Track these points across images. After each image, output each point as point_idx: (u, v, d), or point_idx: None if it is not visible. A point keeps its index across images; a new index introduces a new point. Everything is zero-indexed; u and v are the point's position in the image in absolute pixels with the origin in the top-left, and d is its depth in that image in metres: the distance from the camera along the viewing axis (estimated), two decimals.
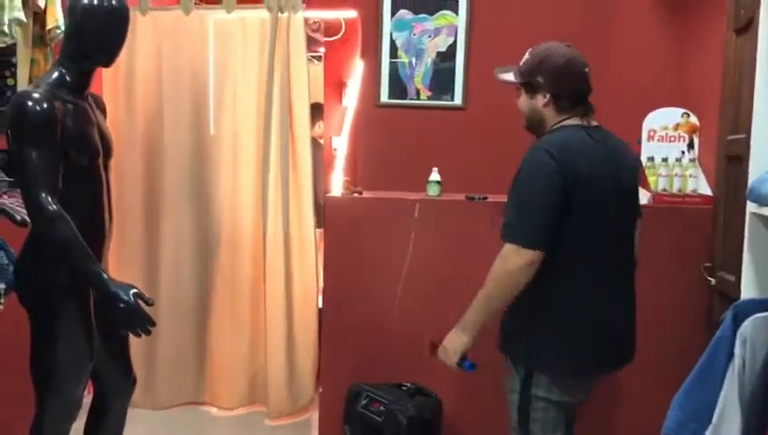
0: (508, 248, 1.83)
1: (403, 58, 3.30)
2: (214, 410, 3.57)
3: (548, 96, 1.97)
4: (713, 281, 2.36)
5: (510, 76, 2.05)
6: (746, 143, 1.99)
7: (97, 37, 2.13)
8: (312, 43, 4.60)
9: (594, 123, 1.98)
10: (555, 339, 1.91)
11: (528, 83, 2.00)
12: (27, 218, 2.22)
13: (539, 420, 1.94)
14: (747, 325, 1.49)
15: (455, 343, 1.96)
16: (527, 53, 2.03)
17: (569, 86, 1.97)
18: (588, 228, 1.87)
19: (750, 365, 1.45)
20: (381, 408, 2.50)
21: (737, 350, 1.47)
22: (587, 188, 1.85)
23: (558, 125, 1.97)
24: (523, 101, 2.03)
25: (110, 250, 2.38)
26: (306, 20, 3.64)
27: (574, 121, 1.96)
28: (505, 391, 2.03)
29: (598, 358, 1.95)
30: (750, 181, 1.90)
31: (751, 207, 1.89)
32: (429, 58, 3.29)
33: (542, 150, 1.87)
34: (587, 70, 1.98)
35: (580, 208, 1.85)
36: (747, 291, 1.86)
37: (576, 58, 1.98)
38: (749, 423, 1.40)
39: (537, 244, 1.81)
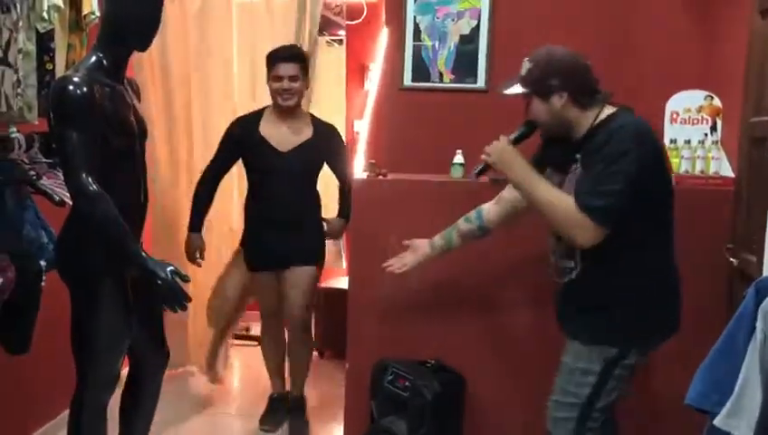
0: (588, 222, 1.85)
1: (426, 41, 3.32)
2: None
3: (565, 95, 1.97)
4: (735, 262, 2.40)
5: (517, 88, 2.04)
6: None
7: (132, 22, 2.19)
8: (333, 26, 4.64)
9: None
10: (655, 308, 2.00)
11: (539, 90, 1.99)
12: (66, 199, 2.31)
13: (613, 389, 2.00)
14: None
15: (504, 153, 2.02)
16: (527, 63, 2.03)
17: (584, 79, 2.00)
18: (666, 198, 2.00)
19: None
20: (407, 383, 2.57)
21: (759, 324, 1.52)
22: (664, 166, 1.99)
23: (602, 117, 1.97)
24: (539, 108, 2.01)
25: (146, 230, 2.46)
26: (328, 3, 3.70)
27: (614, 108, 1.99)
28: (566, 373, 2.05)
29: (677, 320, 2.07)
30: None
31: None
32: (452, 41, 3.31)
33: (640, 127, 1.92)
34: (589, 62, 2.03)
35: (664, 179, 1.98)
36: None
37: (576, 53, 2.02)
38: None
39: (610, 224, 1.86)
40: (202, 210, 3.24)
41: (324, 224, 3.27)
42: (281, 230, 3.10)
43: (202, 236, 3.23)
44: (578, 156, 2.00)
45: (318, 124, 3.19)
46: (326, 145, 3.18)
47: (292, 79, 3.04)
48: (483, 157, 2.09)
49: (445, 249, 2.40)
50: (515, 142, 2.06)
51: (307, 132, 3.14)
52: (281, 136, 3.10)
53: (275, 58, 3.06)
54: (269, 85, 3.07)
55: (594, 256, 1.96)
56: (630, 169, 1.84)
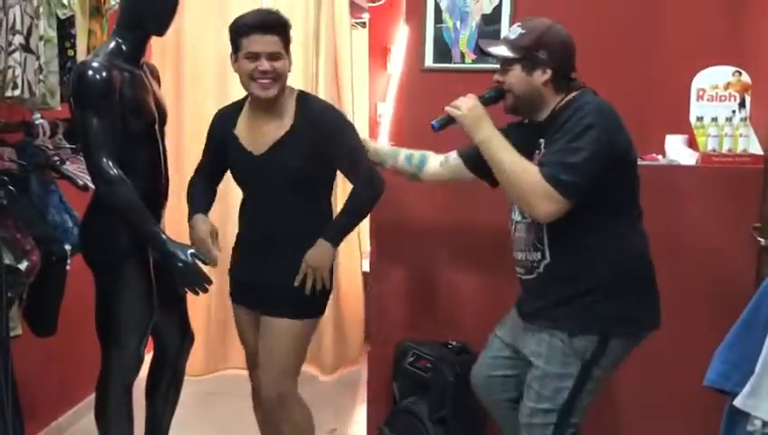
0: (554, 194, 1.78)
1: (447, 22, 3.28)
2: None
3: (549, 72, 1.91)
4: (762, 241, 2.34)
5: (503, 50, 1.95)
6: None
7: (150, 8, 2.21)
8: (355, 9, 4.62)
9: None
10: (631, 294, 1.92)
11: (527, 58, 1.91)
12: (89, 183, 2.34)
13: (584, 403, 1.93)
14: None
15: (475, 109, 1.94)
16: (520, 27, 1.96)
17: (570, 62, 1.95)
18: (635, 183, 1.94)
19: None
20: (428, 365, 2.57)
21: None
22: (631, 144, 1.91)
23: (567, 99, 1.93)
24: (519, 78, 1.93)
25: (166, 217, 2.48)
26: None
27: (581, 89, 1.95)
28: (538, 378, 1.95)
29: (656, 314, 1.99)
30: None
31: None
32: (474, 21, 3.27)
33: (602, 104, 1.87)
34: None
35: (633, 164, 1.91)
36: None
37: (569, 34, 1.97)
38: None
39: (575, 200, 1.80)
40: (199, 199, 2.37)
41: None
42: (255, 261, 2.28)
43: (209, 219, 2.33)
44: (541, 141, 1.95)
45: (303, 108, 2.23)
46: (314, 135, 2.18)
47: (273, 57, 2.13)
48: (447, 109, 1.99)
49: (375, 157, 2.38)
50: (483, 104, 1.98)
51: (287, 123, 2.21)
52: (254, 133, 2.25)
53: (244, 27, 2.13)
54: (238, 67, 2.17)
55: (561, 244, 1.91)
56: (594, 145, 1.78)
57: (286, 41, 2.18)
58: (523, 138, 1.99)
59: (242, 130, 2.27)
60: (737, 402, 1.53)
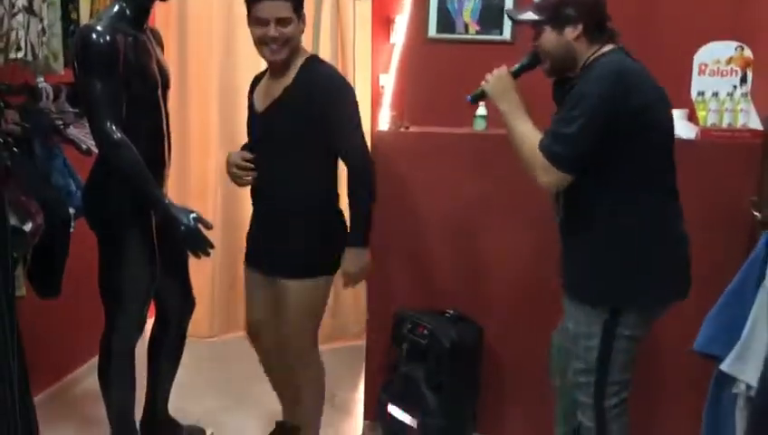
0: (548, 165, 1.80)
1: None
2: None
3: (580, 27, 1.90)
4: (758, 215, 2.36)
5: (530, 15, 1.95)
6: None
7: None
8: None
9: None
10: (650, 268, 1.89)
11: (555, 18, 1.91)
12: (93, 148, 2.36)
13: (619, 361, 1.94)
14: None
15: (500, 80, 1.98)
16: None
17: (600, 11, 1.93)
18: (662, 151, 1.90)
19: None
20: (425, 332, 2.61)
21: None
22: (660, 108, 1.87)
23: (596, 54, 1.91)
24: (550, 39, 1.93)
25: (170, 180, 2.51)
26: None
27: (611, 47, 1.92)
28: (571, 339, 2.00)
29: (685, 282, 1.96)
30: None
31: None
32: None
33: (614, 66, 1.82)
34: None
35: (656, 130, 1.86)
36: None
37: None
38: None
39: (572, 171, 1.81)
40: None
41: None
42: (265, 224, 2.34)
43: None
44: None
45: (305, 70, 2.22)
46: (310, 98, 2.17)
47: (282, 22, 2.13)
48: (482, 83, 2.04)
49: None
50: (516, 74, 2.01)
51: (286, 82, 2.22)
52: (263, 92, 2.30)
53: None
54: (251, 32, 2.19)
55: (571, 203, 1.92)
56: (588, 113, 1.77)
57: (297, 3, 2.17)
58: (561, 92, 2.00)
59: (257, 91, 2.34)
60: (724, 366, 1.57)
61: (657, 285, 1.93)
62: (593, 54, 1.92)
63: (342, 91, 2.24)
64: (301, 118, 2.18)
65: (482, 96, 2.07)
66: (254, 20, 2.16)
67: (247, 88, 2.44)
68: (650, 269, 1.91)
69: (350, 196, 2.24)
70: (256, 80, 2.41)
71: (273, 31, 2.13)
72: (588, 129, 1.77)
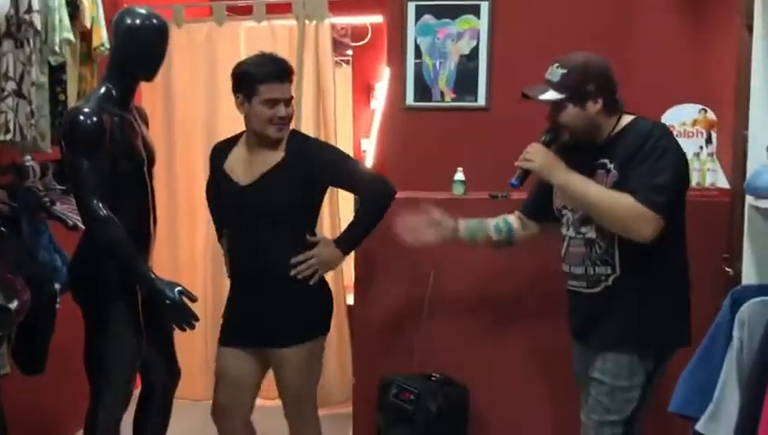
0: (652, 215, 1.88)
1: (427, 61, 3.41)
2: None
3: (600, 101, 2.00)
4: (730, 271, 2.43)
5: (553, 94, 2.01)
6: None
7: (139, 55, 2.29)
8: (340, 46, 4.75)
9: None
10: (687, 310, 2.09)
11: (576, 95, 1.99)
12: (79, 223, 2.40)
13: (649, 400, 2.04)
14: (744, 310, 1.60)
15: (547, 156, 2.03)
16: (559, 68, 2.01)
17: (614, 85, 2.06)
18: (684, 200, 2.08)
19: (747, 346, 1.55)
20: (411, 397, 2.62)
21: (735, 332, 1.57)
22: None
23: (624, 122, 2.04)
24: (571, 114, 2.01)
25: (156, 253, 2.54)
26: (334, 26, 3.78)
27: (631, 115, 2.07)
28: (606, 394, 2.02)
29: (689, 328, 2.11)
30: (747, 175, 1.99)
31: (749, 199, 1.98)
32: (453, 61, 3.39)
33: (665, 128, 2.05)
34: None
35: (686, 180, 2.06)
36: (748, 278, 1.97)
37: (604, 58, 2.08)
38: (747, 398, 1.50)
39: (669, 214, 1.92)
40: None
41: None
42: (249, 297, 2.35)
43: None
44: (604, 161, 2.02)
45: (296, 142, 2.34)
46: (307, 165, 2.29)
47: (288, 102, 2.28)
48: (520, 164, 2.06)
49: (465, 242, 2.38)
50: (546, 147, 2.07)
51: (278, 155, 2.30)
52: (245, 165, 2.33)
53: (264, 76, 2.23)
54: (251, 111, 2.25)
55: (634, 259, 1.99)
56: (676, 163, 1.94)
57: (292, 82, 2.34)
58: (578, 159, 2.06)
59: (233, 163, 2.36)
60: (698, 427, 1.61)
61: (688, 328, 2.09)
62: (618, 121, 2.05)
63: (331, 146, 2.63)
64: (298, 185, 2.27)
65: (527, 175, 2.10)
66: (263, 101, 2.23)
67: None
68: (687, 311, 2.10)
69: (361, 204, 2.43)
70: (221, 151, 2.41)
71: (283, 111, 2.25)
72: (676, 177, 1.94)
